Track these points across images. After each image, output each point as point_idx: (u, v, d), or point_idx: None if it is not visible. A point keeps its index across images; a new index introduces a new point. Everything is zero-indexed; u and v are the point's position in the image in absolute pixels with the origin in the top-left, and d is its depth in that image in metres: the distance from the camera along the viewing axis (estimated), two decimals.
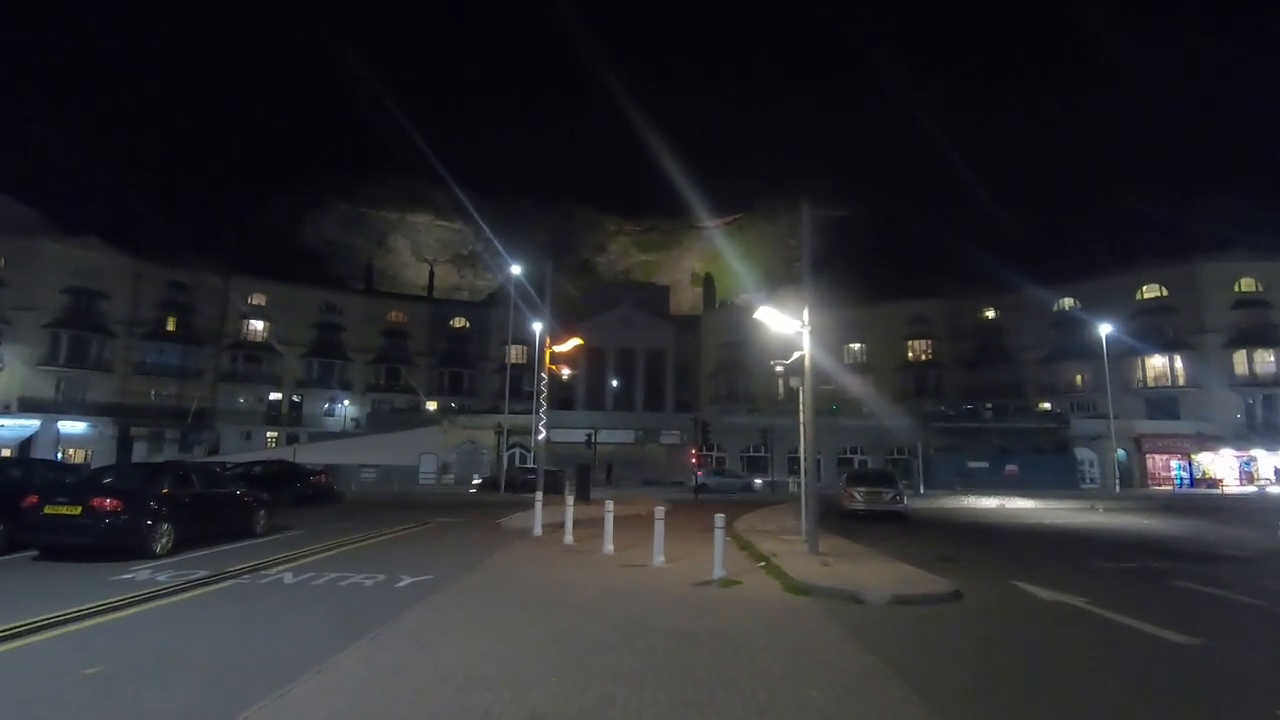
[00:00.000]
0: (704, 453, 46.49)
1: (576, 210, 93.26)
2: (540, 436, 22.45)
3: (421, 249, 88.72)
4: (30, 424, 45.32)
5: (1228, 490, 42.17)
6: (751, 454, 46.92)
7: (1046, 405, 51.57)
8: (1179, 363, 48.28)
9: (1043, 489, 36.54)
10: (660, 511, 11.35)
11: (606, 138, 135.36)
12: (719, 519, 9.99)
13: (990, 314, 57.65)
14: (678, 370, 61.45)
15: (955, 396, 54.52)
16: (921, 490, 37.16)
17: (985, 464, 42.34)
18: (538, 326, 28.22)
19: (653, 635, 6.70)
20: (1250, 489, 41.81)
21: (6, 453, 40.26)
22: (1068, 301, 52.46)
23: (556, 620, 7.24)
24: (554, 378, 22.86)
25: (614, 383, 58.93)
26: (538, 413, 22.90)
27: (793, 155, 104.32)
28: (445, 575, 9.67)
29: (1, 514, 10.81)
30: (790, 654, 6.10)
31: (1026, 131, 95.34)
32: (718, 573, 9.50)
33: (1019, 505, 28.18)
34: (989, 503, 29.21)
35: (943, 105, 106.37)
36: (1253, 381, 46.60)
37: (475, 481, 37.58)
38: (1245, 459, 45.69)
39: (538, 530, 14.70)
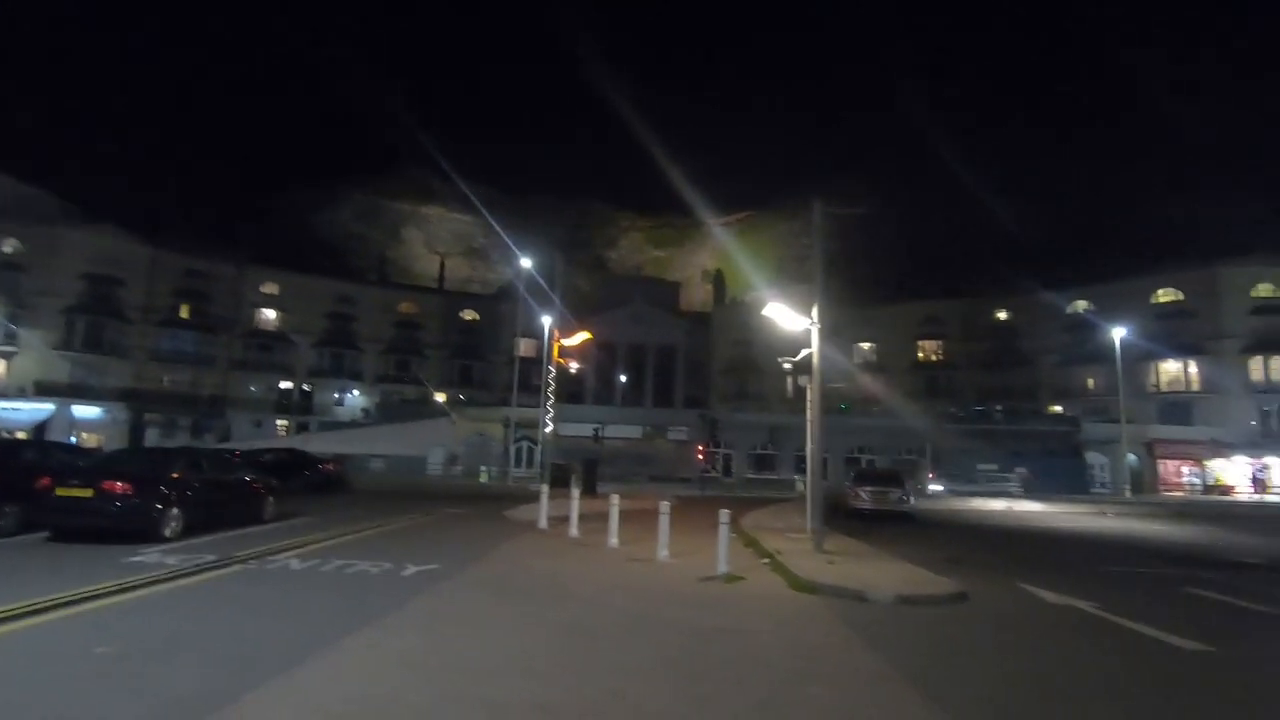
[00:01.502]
0: (712, 449, 46.46)
1: (590, 206, 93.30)
2: (547, 429, 22.50)
3: (434, 241, 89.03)
4: (45, 408, 45.87)
5: (1239, 497, 41.71)
6: (760, 452, 46.85)
7: (1059, 408, 51.15)
8: (1194, 368, 47.76)
9: (1053, 492, 36.29)
10: (665, 506, 11.35)
11: (621, 135, 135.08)
12: (724, 515, 9.98)
13: (1004, 316, 57.21)
14: (687, 367, 61.41)
15: (967, 398, 54.19)
16: (939, 489, 36.98)
17: (995, 466, 42.09)
18: (547, 320, 28.27)
19: (658, 629, 6.71)
20: (1270, 497, 41.32)
21: (21, 435, 40.77)
22: (1082, 304, 51.94)
23: (562, 612, 7.27)
24: (563, 372, 22.92)
25: (623, 378, 58.96)
26: (545, 405, 22.94)
27: (807, 153, 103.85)
28: (451, 565, 9.72)
29: (15, 495, 10.95)
30: (795, 651, 6.10)
31: (1046, 134, 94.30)
32: (722, 569, 9.51)
33: (1027, 508, 28.01)
34: (997, 505, 29.05)
35: (961, 106, 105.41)
36: (1269, 388, 46.03)
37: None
38: (1259, 466, 45.14)
39: (543, 523, 14.75)
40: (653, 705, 4.56)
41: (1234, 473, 45.02)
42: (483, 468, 39.37)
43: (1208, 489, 44.22)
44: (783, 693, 4.97)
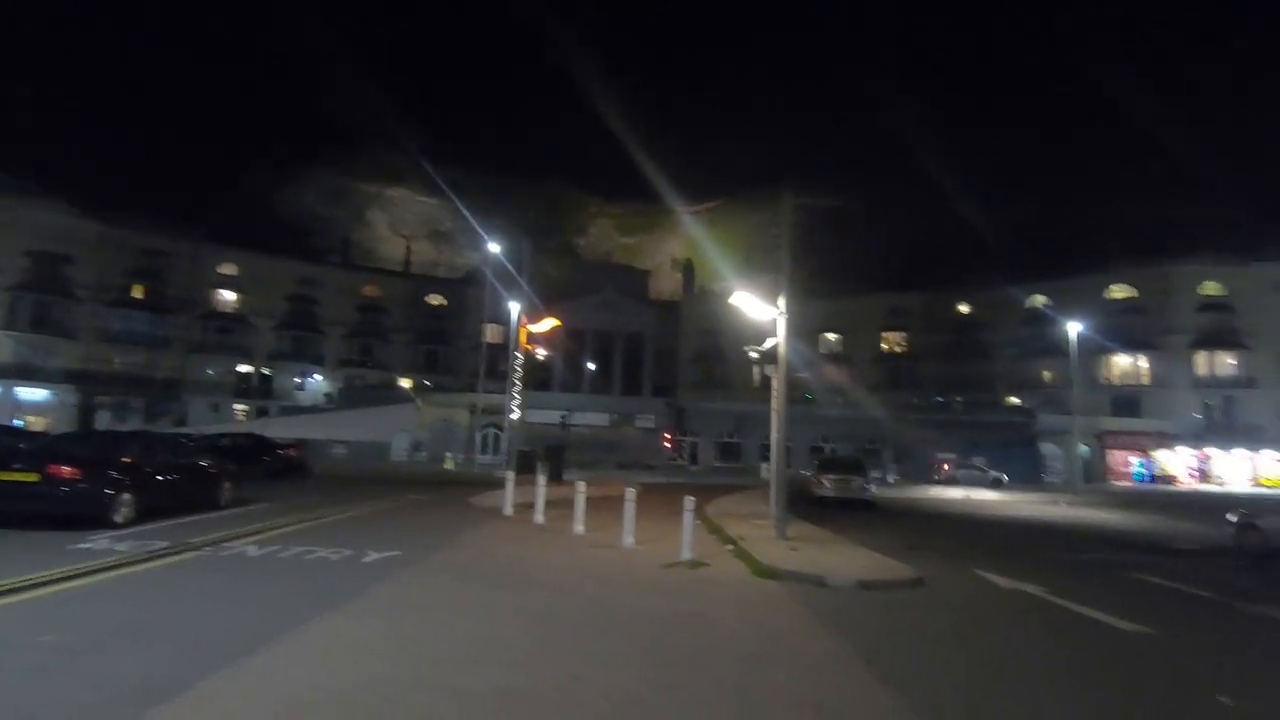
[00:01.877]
0: (679, 437, 46.70)
1: (560, 191, 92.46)
2: (514, 416, 22.36)
3: (400, 224, 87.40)
4: None
5: (1183, 487, 43.45)
6: (726, 440, 47.26)
7: (1015, 400, 52.53)
8: (1144, 362, 49.46)
9: (1009, 482, 37.33)
10: (631, 493, 11.38)
11: (592, 120, 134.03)
12: (689, 502, 10.05)
13: (966, 309, 58.40)
14: (656, 355, 61.50)
15: (928, 389, 55.32)
16: (894, 481, 37.74)
17: (953, 455, 43.12)
18: (514, 306, 28.00)
19: (623, 615, 6.74)
20: (1211, 487, 43.08)
21: None
22: (1040, 299, 53.23)
23: (525, 598, 7.25)
24: (530, 359, 22.76)
25: (591, 365, 58.85)
26: (511, 392, 22.79)
27: (779, 143, 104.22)
28: (414, 551, 9.61)
29: None
30: (757, 636, 6.18)
31: (1013, 134, 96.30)
32: (686, 555, 9.58)
33: (984, 497, 28.78)
34: (956, 493, 29.79)
35: (931, 103, 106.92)
36: (1212, 383, 47.92)
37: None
38: (1202, 458, 47.07)
39: (508, 509, 14.68)
40: (619, 690, 4.58)
41: (1178, 463, 46.89)
42: (448, 454, 38.99)
43: (1154, 479, 45.97)
44: (746, 676, 5.03)
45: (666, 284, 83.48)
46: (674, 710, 4.34)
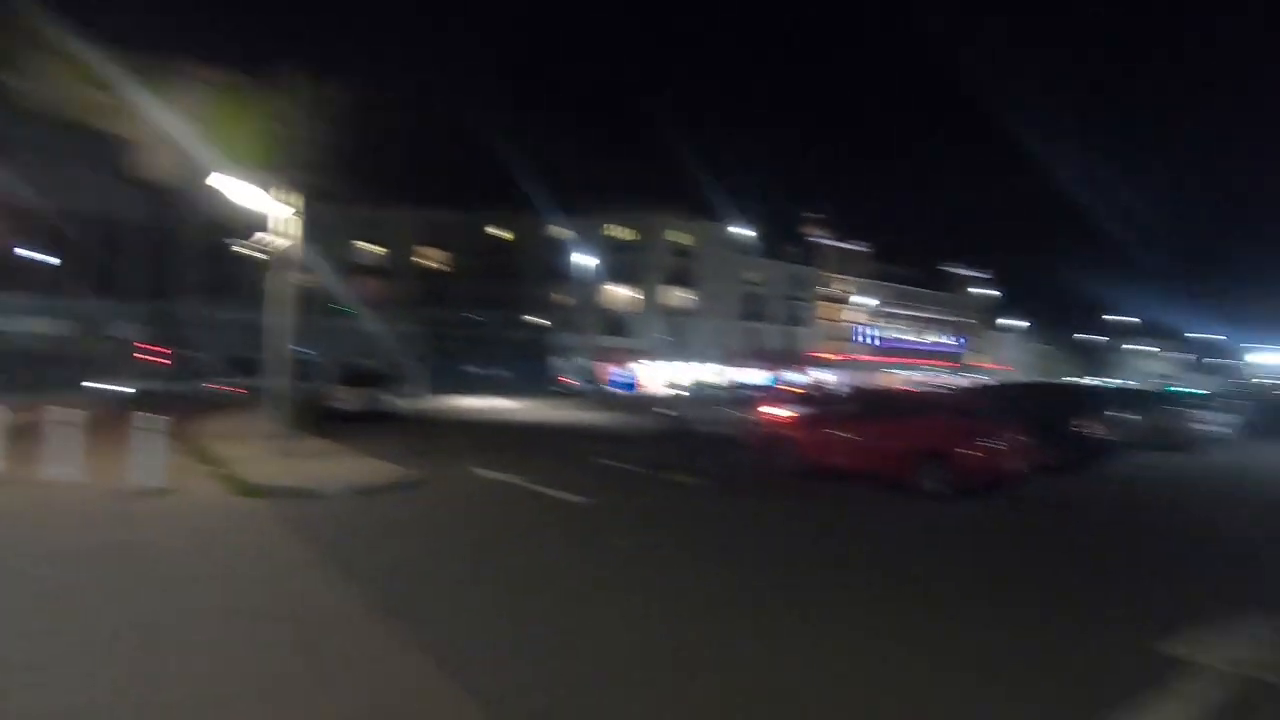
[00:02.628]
0: (178, 350, 39.42)
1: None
2: None
3: None
4: None
5: (652, 391, 55.47)
6: (239, 355, 41.56)
7: (537, 320, 58.84)
8: (632, 293, 60.68)
9: (526, 392, 42.10)
10: (76, 415, 9.10)
11: None
12: (151, 420, 8.49)
13: (502, 232, 62.18)
14: (150, 250, 49.68)
15: (464, 306, 57.86)
16: (420, 393, 38.73)
17: (480, 369, 46.51)
18: None
19: (24, 559, 5.39)
20: (673, 391, 55.66)
21: None
22: (563, 231, 60.00)
23: None
24: None
25: (45, 258, 44.46)
26: None
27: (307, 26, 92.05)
28: None
29: None
30: (203, 558, 5.71)
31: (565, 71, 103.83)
32: (149, 481, 8.15)
33: (504, 405, 31.87)
34: (479, 403, 32.25)
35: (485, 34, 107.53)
36: (673, 312, 61.82)
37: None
38: (665, 369, 60.65)
39: None
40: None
41: (650, 373, 59.52)
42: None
43: (634, 386, 57.47)
44: (176, 602, 4.55)
45: (163, 164, 67.58)
46: (79, 649, 3.67)
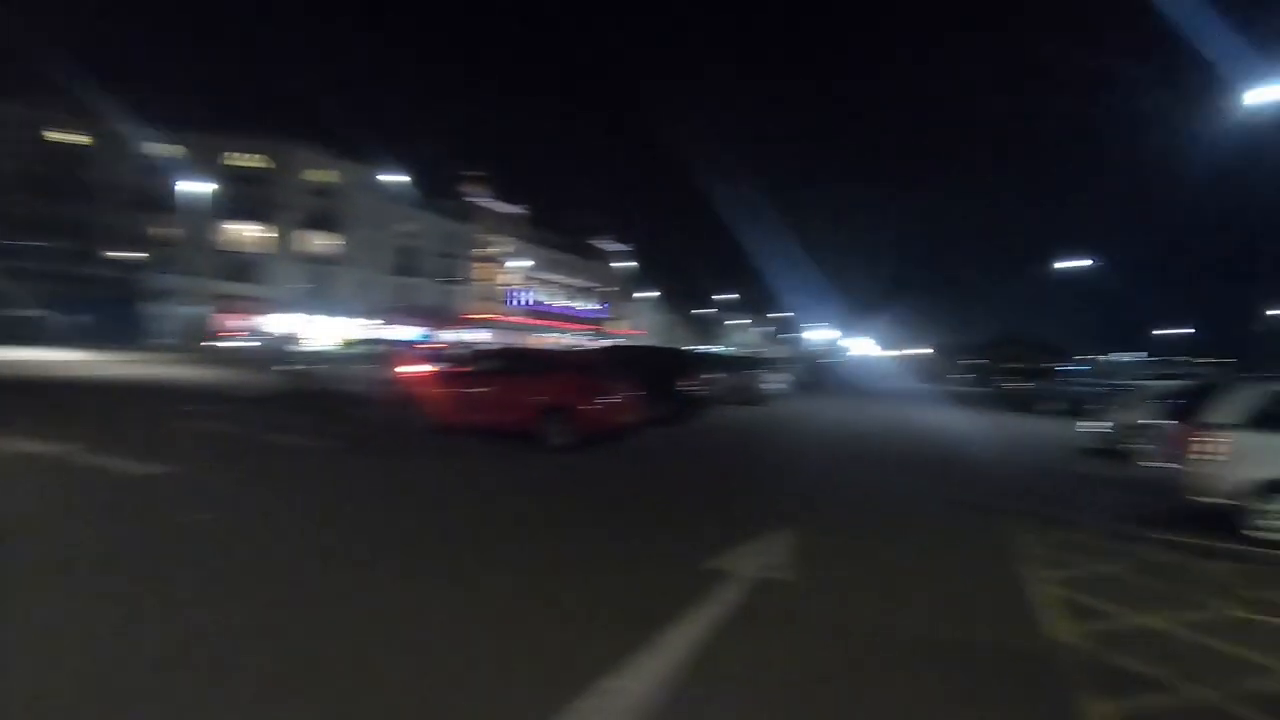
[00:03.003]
0: None
1: None
2: None
3: None
4: None
5: (282, 346, 49.00)
6: None
7: (124, 254, 47.33)
8: (261, 232, 52.54)
9: (110, 342, 33.84)
10: None
11: None
12: None
13: (66, 137, 48.16)
14: None
15: (10, 228, 43.77)
16: None
17: (44, 313, 36.10)
18: None
19: None
20: (307, 347, 49.63)
21: None
22: (165, 148, 48.94)
23: None
24: None
25: None
26: None
27: None
28: None
29: None
30: None
31: None
32: None
33: (66, 358, 25.11)
34: (40, 356, 24.90)
35: None
36: (313, 259, 55.20)
37: None
38: (301, 323, 54.03)
39: None
40: None
41: (283, 325, 52.48)
42: None
43: (263, 339, 50.02)
44: None
45: None
46: None
